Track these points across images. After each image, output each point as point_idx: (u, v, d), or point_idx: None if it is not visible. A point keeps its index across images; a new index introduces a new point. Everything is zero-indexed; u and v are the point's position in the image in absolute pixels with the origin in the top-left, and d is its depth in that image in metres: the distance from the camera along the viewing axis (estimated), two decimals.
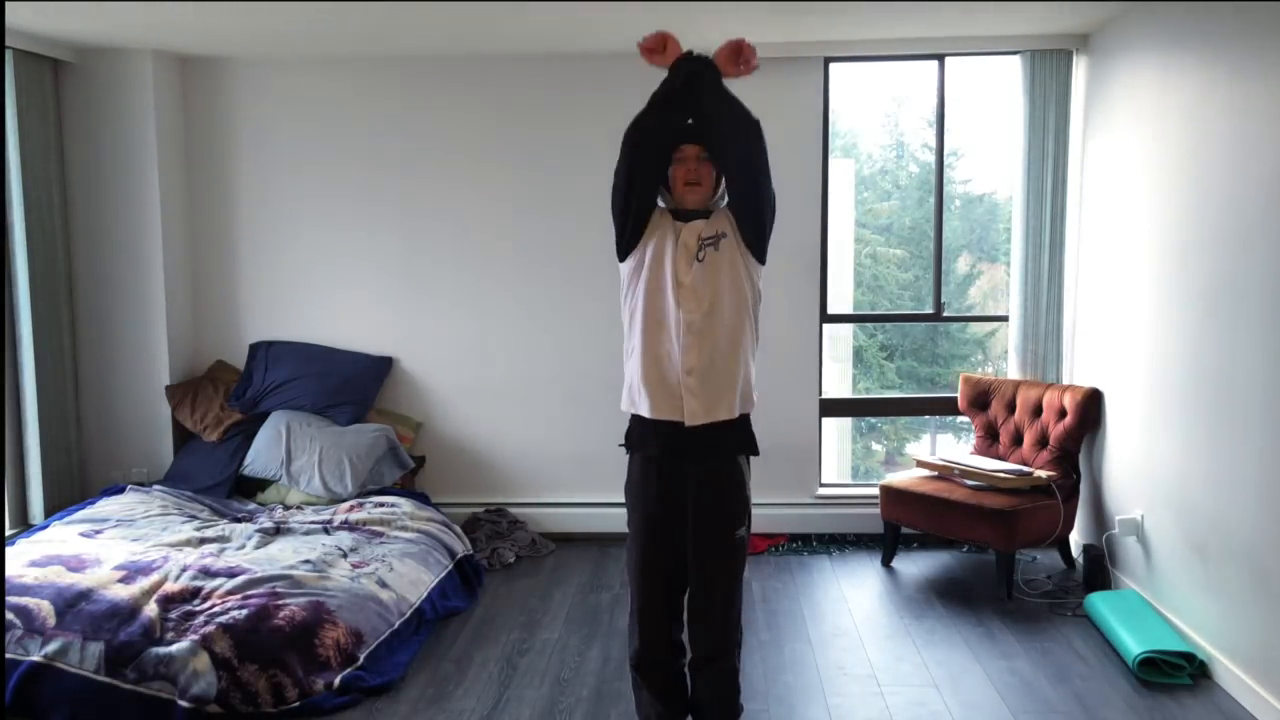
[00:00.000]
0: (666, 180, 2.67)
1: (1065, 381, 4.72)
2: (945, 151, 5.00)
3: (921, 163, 11.97)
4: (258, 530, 4.17)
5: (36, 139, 4.56)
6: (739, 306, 2.62)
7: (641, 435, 2.70)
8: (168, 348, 4.92)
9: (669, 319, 2.59)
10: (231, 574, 3.62)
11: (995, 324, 8.36)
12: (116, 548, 3.83)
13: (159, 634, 3.26)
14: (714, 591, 2.69)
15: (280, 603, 3.42)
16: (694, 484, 2.65)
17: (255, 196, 5.08)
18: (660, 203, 2.70)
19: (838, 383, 9.97)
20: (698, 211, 2.65)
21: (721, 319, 2.59)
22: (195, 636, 3.21)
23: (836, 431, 9.06)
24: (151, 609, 3.34)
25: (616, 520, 5.03)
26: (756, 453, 2.73)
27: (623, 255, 2.70)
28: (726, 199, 2.69)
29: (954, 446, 9.73)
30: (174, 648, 3.17)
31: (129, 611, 3.30)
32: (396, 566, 3.93)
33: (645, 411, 2.64)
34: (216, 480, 4.75)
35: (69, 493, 4.80)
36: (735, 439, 2.68)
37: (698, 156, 2.62)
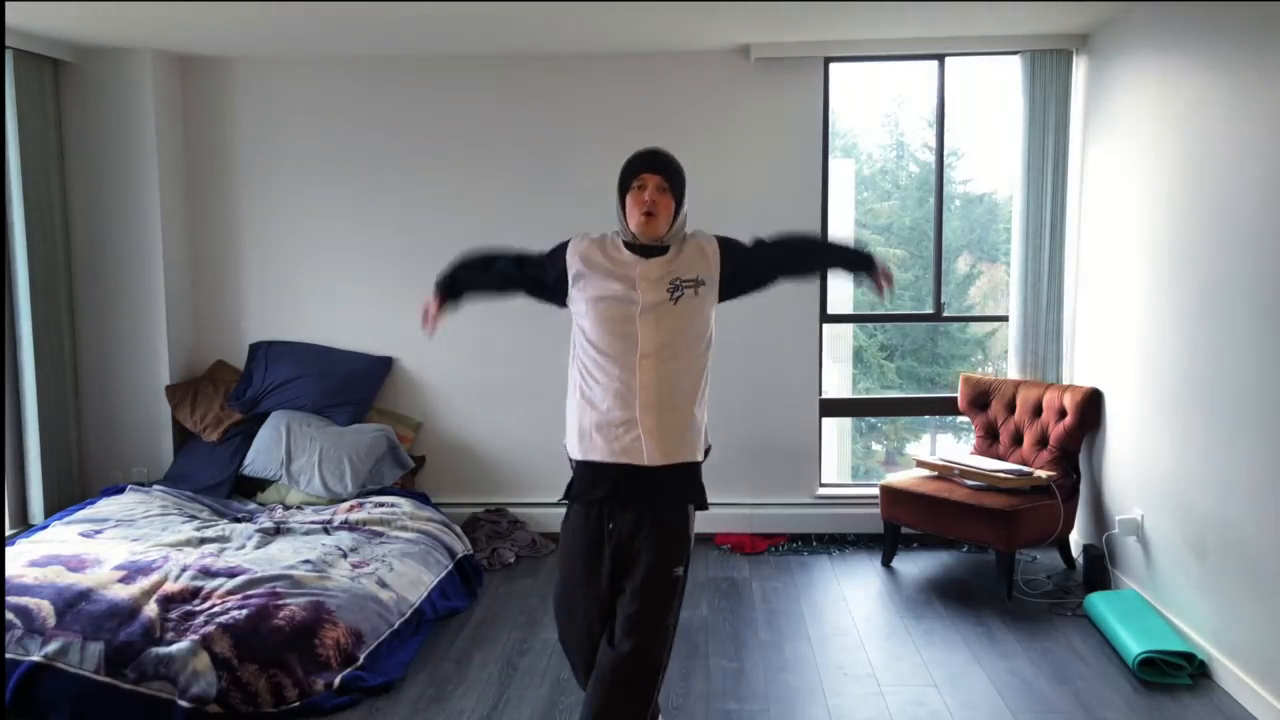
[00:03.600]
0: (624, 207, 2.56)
1: (1065, 381, 4.72)
2: (945, 151, 5.00)
3: (921, 163, 11.97)
4: (258, 530, 4.17)
5: (36, 139, 4.56)
6: (699, 348, 2.55)
7: (589, 481, 2.56)
8: (168, 348, 4.92)
9: (627, 358, 2.48)
10: (231, 574, 3.62)
11: (995, 324, 8.36)
12: (116, 548, 3.83)
13: (159, 634, 3.26)
14: (640, 613, 2.48)
15: (280, 603, 3.42)
16: (632, 526, 2.51)
17: (255, 196, 5.08)
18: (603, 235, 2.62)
19: (838, 383, 9.97)
20: (654, 247, 2.52)
21: (682, 359, 2.51)
22: (195, 636, 3.21)
23: (836, 431, 9.06)
24: (151, 609, 3.34)
25: None
26: (705, 506, 2.62)
27: (563, 303, 2.63)
28: (691, 235, 2.60)
29: (954, 446, 9.73)
30: (174, 648, 3.17)
31: (129, 611, 3.30)
32: (396, 566, 3.93)
33: (600, 455, 2.51)
34: (216, 480, 4.75)
35: (69, 493, 4.80)
36: (687, 487, 2.57)
37: (659, 186, 2.48)
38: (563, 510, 5.27)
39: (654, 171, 2.50)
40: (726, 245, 2.61)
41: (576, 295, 2.56)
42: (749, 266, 2.62)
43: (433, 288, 2.78)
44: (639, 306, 2.48)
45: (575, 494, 2.61)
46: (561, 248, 2.63)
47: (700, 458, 2.59)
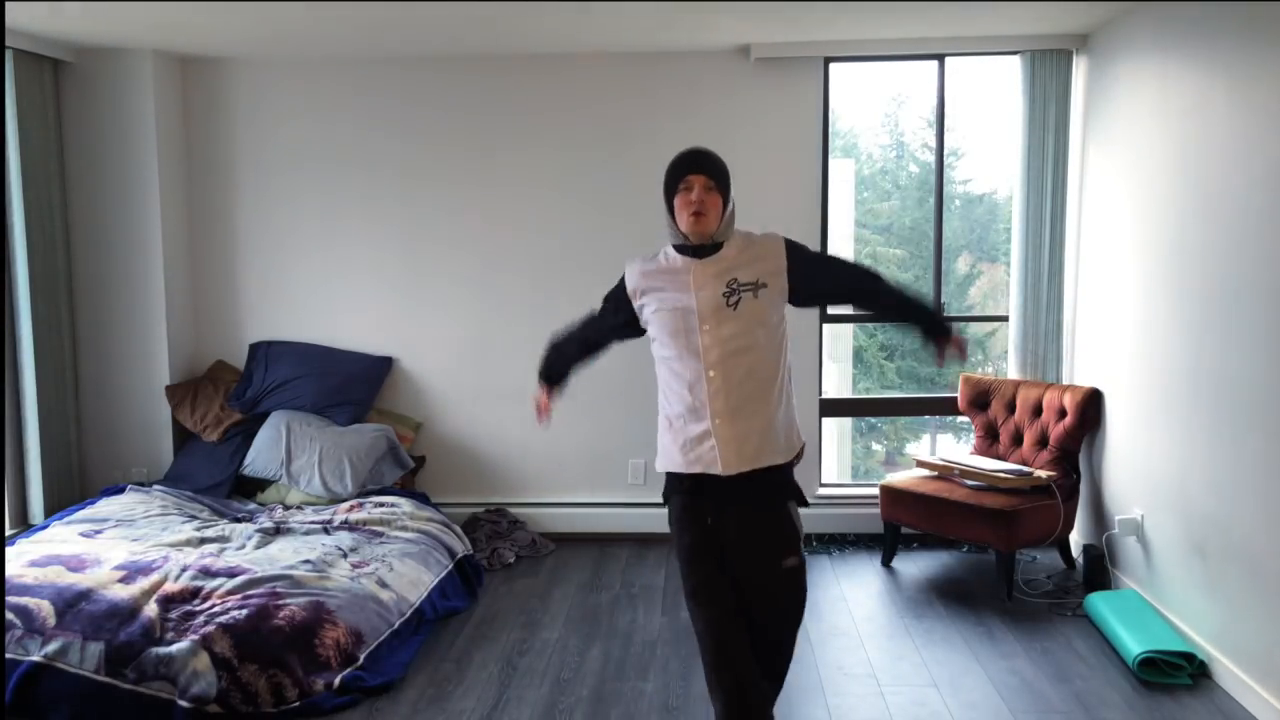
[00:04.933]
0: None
1: (1065, 381, 4.72)
2: (945, 151, 5.00)
3: (921, 163, 11.97)
4: (258, 530, 4.17)
5: (36, 139, 4.56)
6: (771, 348, 2.52)
7: (679, 487, 2.58)
8: (168, 348, 4.92)
9: (694, 368, 2.49)
10: (231, 574, 3.62)
11: (995, 324, 8.36)
12: (116, 548, 3.83)
13: (159, 634, 3.26)
14: (768, 621, 2.54)
15: (280, 603, 3.42)
16: (731, 525, 2.52)
17: (255, 196, 5.08)
18: (668, 246, 2.61)
19: (838, 383, 9.98)
20: (708, 246, 2.52)
21: (751, 365, 2.49)
22: (195, 636, 3.21)
23: (836, 431, 9.06)
24: (151, 609, 3.34)
25: (616, 520, 5.05)
26: (805, 503, 2.62)
27: (641, 331, 2.68)
28: (755, 235, 2.59)
29: (954, 446, 9.73)
30: (174, 648, 3.17)
31: (129, 611, 3.30)
32: (396, 566, 3.93)
33: (679, 467, 2.53)
34: (216, 480, 4.75)
35: (69, 493, 4.80)
36: (777, 486, 2.56)
37: (705, 186, 2.48)
38: (561, 510, 5.29)
39: (698, 172, 2.51)
40: (792, 248, 2.57)
41: (646, 316, 2.59)
42: (820, 276, 2.59)
43: (537, 381, 2.92)
44: (698, 315, 2.48)
45: (671, 490, 2.62)
46: (620, 282, 2.66)
47: (786, 459, 2.56)
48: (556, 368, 2.91)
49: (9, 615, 3.23)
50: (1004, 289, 5.73)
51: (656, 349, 2.59)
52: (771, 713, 2.52)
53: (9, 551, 3.76)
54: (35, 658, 3.12)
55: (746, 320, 2.48)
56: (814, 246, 4.83)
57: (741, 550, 2.51)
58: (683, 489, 2.56)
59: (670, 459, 2.57)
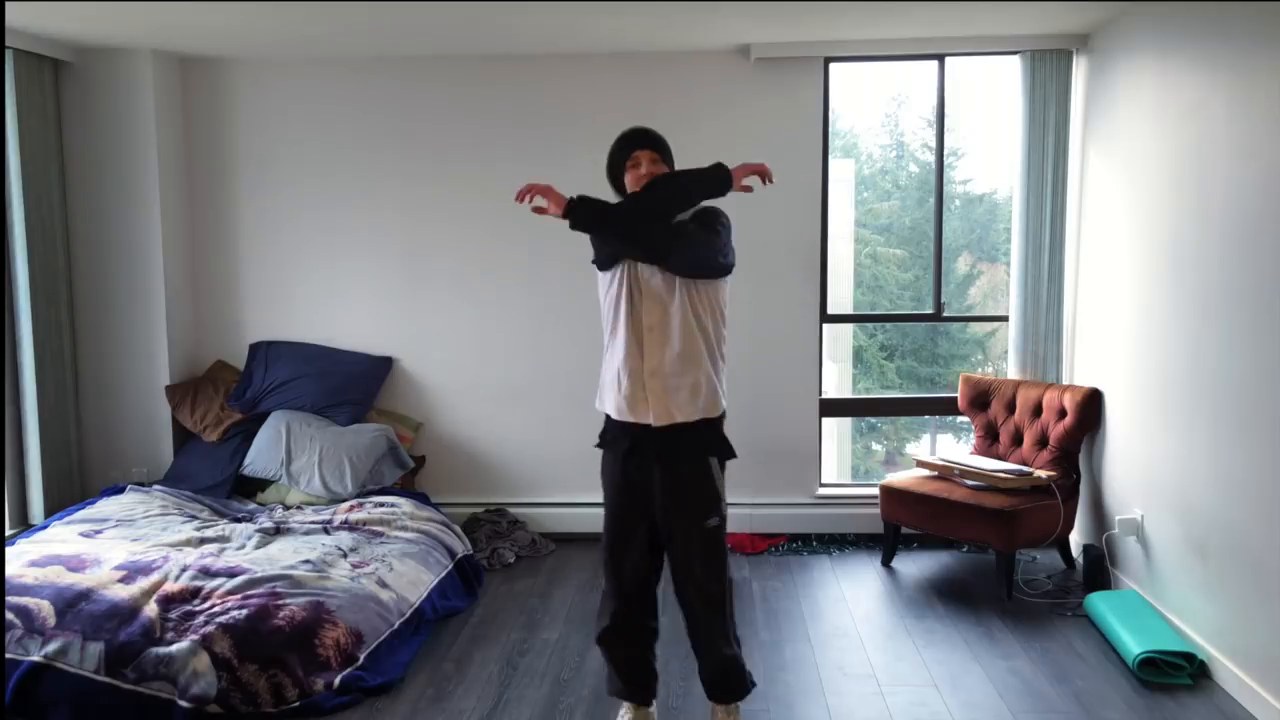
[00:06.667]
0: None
1: (1065, 381, 4.72)
2: (945, 151, 5.00)
3: (921, 163, 11.96)
4: (258, 530, 4.17)
5: (36, 139, 4.56)
6: (695, 314, 2.71)
7: (613, 434, 2.83)
8: (168, 348, 4.92)
9: (634, 324, 2.71)
10: (231, 574, 3.62)
11: (995, 324, 8.37)
12: (116, 548, 3.83)
13: (159, 634, 3.26)
14: (691, 580, 2.79)
15: (280, 603, 3.42)
16: (660, 481, 2.76)
17: (255, 196, 5.08)
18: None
19: (838, 383, 9.97)
20: None
21: (677, 325, 2.69)
22: (195, 636, 3.21)
23: (836, 431, 9.06)
24: (151, 609, 3.34)
25: None
26: (731, 454, 2.82)
27: (605, 266, 2.79)
28: None
29: (954, 446, 9.73)
30: (174, 648, 3.17)
31: (129, 611, 3.30)
32: (396, 566, 3.93)
33: (613, 412, 2.78)
34: (216, 480, 4.75)
35: (69, 493, 4.80)
36: (702, 441, 2.76)
37: (652, 160, 2.74)
38: (561, 510, 5.31)
39: (645, 147, 2.76)
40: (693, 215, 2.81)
41: (597, 258, 2.79)
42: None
43: (568, 197, 2.69)
44: (642, 277, 2.70)
45: (605, 442, 2.87)
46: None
47: (713, 414, 2.76)
48: (595, 222, 2.70)
49: (9, 615, 3.23)
50: (1004, 289, 5.73)
51: (607, 295, 2.78)
52: (734, 647, 2.84)
53: (9, 551, 3.76)
54: (35, 658, 3.13)
55: (673, 284, 2.69)
56: (814, 248, 4.89)
57: (664, 515, 2.76)
58: (615, 443, 2.81)
59: (607, 400, 2.80)
